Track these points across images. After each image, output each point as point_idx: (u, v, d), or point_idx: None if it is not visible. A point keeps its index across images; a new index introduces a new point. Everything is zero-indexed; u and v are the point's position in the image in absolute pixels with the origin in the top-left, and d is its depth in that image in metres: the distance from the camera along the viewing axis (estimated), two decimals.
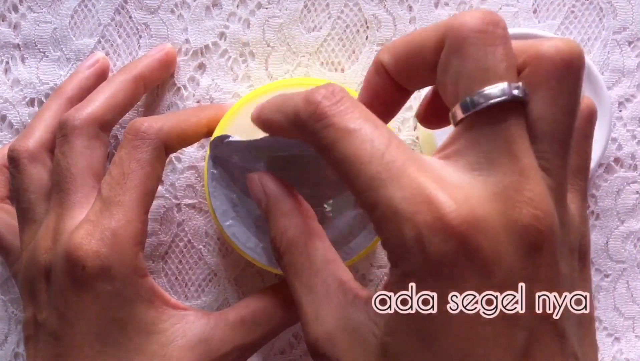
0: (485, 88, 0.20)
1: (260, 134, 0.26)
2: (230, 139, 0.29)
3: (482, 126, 0.20)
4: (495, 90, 0.19)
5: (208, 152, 0.31)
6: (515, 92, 0.19)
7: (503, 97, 0.19)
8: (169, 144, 0.30)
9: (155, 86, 0.36)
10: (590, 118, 0.23)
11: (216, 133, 0.31)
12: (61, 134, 0.30)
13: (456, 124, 0.21)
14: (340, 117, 0.21)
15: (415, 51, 0.22)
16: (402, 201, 0.19)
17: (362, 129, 0.20)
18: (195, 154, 0.36)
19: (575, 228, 0.22)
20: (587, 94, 0.33)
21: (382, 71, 0.23)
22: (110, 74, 0.36)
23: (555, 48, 0.20)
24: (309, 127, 0.21)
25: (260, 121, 0.25)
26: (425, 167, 0.20)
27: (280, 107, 0.23)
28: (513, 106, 0.20)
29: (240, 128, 0.31)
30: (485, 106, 0.19)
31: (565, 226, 0.21)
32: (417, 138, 0.36)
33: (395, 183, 0.19)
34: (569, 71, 0.20)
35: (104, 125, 0.31)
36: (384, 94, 0.24)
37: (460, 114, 0.20)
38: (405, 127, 0.36)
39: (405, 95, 0.24)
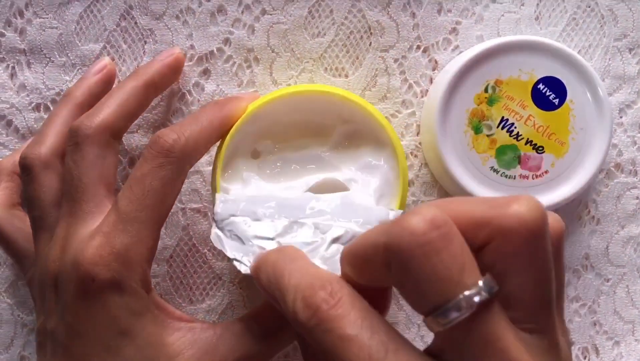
0: (444, 306, 0.19)
1: (266, 132, 0.26)
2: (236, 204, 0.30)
3: (459, 334, 0.19)
4: (456, 305, 0.19)
5: (217, 151, 0.31)
6: (477, 299, 0.19)
7: (467, 311, 0.19)
8: (193, 157, 0.29)
9: (164, 91, 0.36)
10: (559, 240, 0.22)
11: (226, 143, 0.31)
12: (72, 142, 0.30)
13: (434, 333, 0.20)
14: (338, 322, 0.20)
15: (368, 262, 0.21)
16: None
17: (359, 335, 0.20)
18: (200, 158, 0.36)
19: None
20: (588, 101, 0.34)
21: (351, 281, 0.22)
22: (115, 80, 0.36)
23: (518, 220, 0.19)
24: (307, 328, 0.21)
25: (256, 280, 0.25)
26: None
27: (278, 287, 0.22)
28: (482, 304, 0.19)
29: (248, 136, 0.32)
30: (452, 324, 0.19)
31: None
32: (420, 143, 0.37)
33: None
34: (536, 241, 0.19)
35: (116, 133, 0.31)
36: (366, 296, 0.22)
37: (433, 327, 0.19)
38: (409, 132, 0.37)
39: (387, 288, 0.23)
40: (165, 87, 0.35)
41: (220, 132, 0.31)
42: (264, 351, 0.30)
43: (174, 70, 0.35)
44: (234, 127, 0.31)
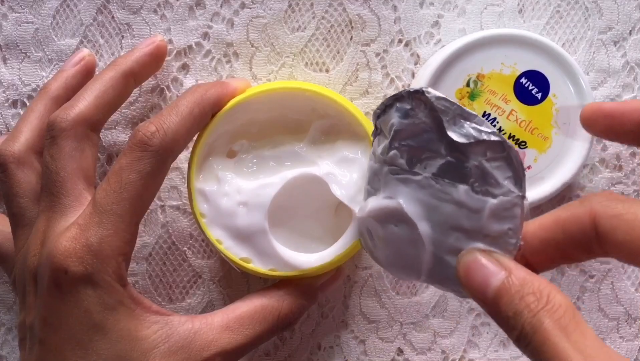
0: None
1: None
2: None
3: None
4: None
5: (192, 153, 0.31)
6: None
7: None
8: (175, 149, 0.29)
9: (145, 81, 0.35)
10: None
11: (200, 144, 0.30)
12: (49, 136, 0.29)
13: None
14: None
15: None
16: None
17: None
18: (179, 155, 0.36)
19: None
20: (571, 95, 0.33)
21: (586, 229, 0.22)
22: (94, 72, 0.35)
23: None
24: None
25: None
26: None
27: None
28: None
29: (223, 136, 0.31)
30: None
31: None
32: None
33: None
34: None
35: (94, 125, 0.30)
36: (569, 250, 0.22)
37: None
38: None
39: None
40: (146, 76, 0.34)
41: (201, 122, 0.30)
42: (242, 346, 0.29)
43: (156, 58, 0.34)
44: (207, 129, 0.30)
